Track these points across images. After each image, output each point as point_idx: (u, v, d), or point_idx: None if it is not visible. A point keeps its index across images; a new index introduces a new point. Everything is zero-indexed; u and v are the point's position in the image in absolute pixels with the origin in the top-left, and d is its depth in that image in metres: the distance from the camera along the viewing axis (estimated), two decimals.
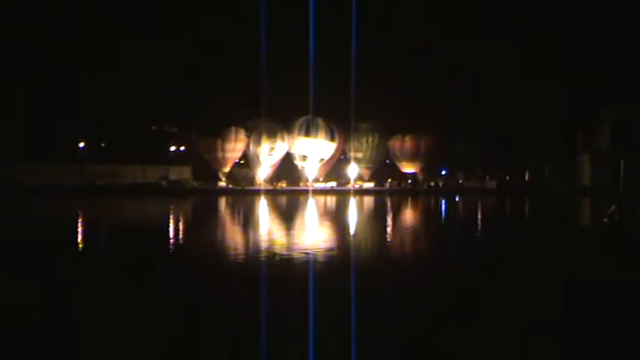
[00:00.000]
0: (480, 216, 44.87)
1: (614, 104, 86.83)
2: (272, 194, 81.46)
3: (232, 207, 53.97)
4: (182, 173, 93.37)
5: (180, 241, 24.70)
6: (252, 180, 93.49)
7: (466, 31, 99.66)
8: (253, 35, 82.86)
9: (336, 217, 40.77)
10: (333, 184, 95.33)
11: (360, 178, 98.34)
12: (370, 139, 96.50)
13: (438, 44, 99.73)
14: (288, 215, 42.56)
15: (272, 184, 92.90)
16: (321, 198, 73.24)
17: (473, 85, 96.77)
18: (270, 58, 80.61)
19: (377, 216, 43.43)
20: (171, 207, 50.14)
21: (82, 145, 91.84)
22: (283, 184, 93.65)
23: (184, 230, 30.41)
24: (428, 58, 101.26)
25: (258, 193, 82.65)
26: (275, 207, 54.03)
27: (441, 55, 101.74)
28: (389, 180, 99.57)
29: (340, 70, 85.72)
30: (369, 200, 69.48)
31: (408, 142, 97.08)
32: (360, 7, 71.14)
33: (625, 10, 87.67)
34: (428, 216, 45.15)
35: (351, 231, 29.07)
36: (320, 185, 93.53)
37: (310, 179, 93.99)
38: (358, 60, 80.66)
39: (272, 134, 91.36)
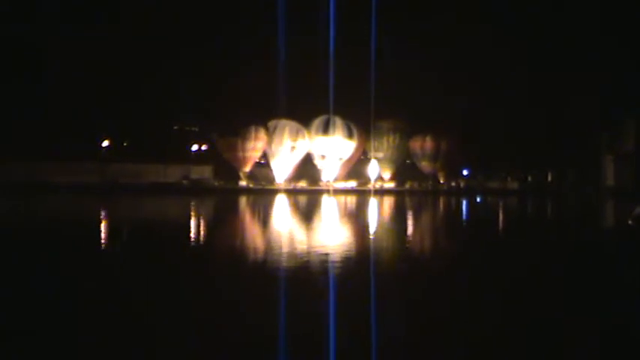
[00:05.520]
0: (502, 218, 44.54)
1: (639, 105, 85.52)
2: (292, 194, 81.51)
3: (254, 209, 54.14)
4: (203, 172, 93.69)
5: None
6: (272, 180, 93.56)
7: (490, 29, 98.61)
8: (273, 34, 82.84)
9: (359, 222, 40.71)
10: (353, 184, 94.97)
11: (380, 178, 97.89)
12: (391, 139, 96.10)
13: (461, 43, 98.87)
14: (313, 219, 42.57)
15: (292, 183, 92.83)
16: (342, 198, 73.17)
17: (496, 85, 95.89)
18: (290, 56, 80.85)
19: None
20: (192, 205, 50.54)
21: (104, 144, 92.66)
22: (303, 184, 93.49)
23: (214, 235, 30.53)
24: (450, 58, 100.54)
25: (278, 192, 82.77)
26: (296, 208, 54.08)
27: (464, 55, 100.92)
28: (409, 181, 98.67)
29: (361, 68, 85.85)
30: (391, 201, 69.26)
31: (428, 142, 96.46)
32: (380, 5, 70.94)
33: None
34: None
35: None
36: (340, 185, 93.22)
37: (330, 179, 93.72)
38: (378, 59, 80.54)
39: (293, 133, 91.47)
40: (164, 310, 11.73)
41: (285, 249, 21.78)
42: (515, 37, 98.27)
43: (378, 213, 48.35)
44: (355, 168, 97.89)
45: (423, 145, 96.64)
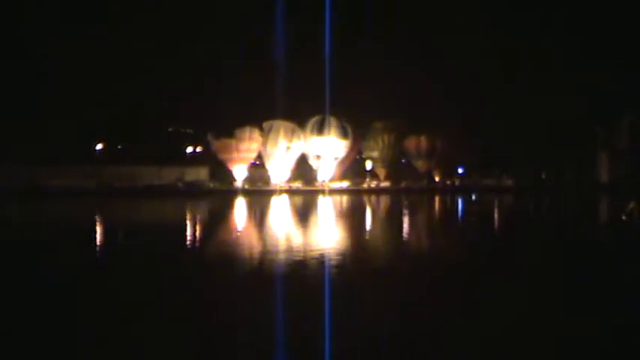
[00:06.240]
0: (497, 215, 44.66)
1: (634, 102, 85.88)
2: (288, 194, 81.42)
3: (249, 211, 54.13)
4: (199, 174, 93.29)
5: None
6: (267, 180, 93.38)
7: (483, 28, 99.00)
8: (268, 34, 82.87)
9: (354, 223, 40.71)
10: (348, 183, 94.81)
11: (375, 177, 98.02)
12: (386, 138, 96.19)
13: (455, 42, 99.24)
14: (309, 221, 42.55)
15: (287, 184, 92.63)
16: (338, 198, 73.22)
17: (490, 82, 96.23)
18: (285, 57, 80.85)
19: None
20: (185, 208, 50.55)
21: (99, 147, 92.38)
22: (299, 184, 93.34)
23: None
24: (445, 57, 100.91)
25: (273, 193, 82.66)
26: (292, 209, 54.10)
27: (458, 54, 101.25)
28: (404, 180, 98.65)
29: (356, 68, 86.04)
30: (387, 200, 69.31)
31: (423, 141, 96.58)
32: (376, 4, 71.08)
33: None
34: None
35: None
36: (335, 185, 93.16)
37: (325, 179, 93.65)
38: (373, 59, 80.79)
39: (288, 133, 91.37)
40: (162, 312, 11.73)
41: (280, 251, 21.77)
42: (515, 37, 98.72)
43: (372, 212, 48.38)
44: (350, 168, 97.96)
45: (418, 144, 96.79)
